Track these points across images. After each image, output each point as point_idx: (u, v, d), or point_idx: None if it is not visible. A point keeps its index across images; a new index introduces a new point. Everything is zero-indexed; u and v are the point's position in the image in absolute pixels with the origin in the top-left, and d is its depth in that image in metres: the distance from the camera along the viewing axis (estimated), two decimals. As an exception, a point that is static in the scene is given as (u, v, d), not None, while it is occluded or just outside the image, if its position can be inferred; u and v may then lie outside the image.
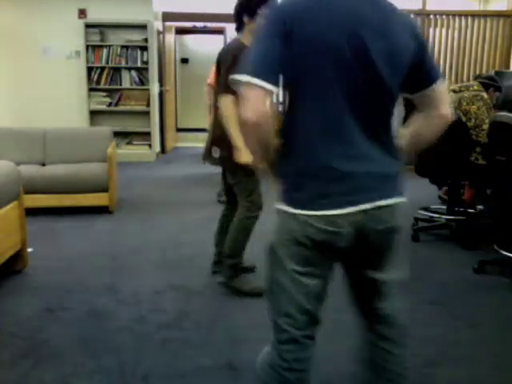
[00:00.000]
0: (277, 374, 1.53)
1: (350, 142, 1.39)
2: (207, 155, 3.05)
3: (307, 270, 1.44)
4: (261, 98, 1.31)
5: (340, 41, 1.33)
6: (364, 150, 1.40)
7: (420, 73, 1.47)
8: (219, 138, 2.89)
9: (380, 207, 1.41)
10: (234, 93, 2.55)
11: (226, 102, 2.72)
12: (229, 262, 3.08)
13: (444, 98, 1.54)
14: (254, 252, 3.10)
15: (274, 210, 1.45)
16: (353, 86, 1.36)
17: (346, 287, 1.61)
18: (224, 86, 2.71)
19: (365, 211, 1.39)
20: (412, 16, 6.73)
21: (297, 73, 1.37)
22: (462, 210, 4.25)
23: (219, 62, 2.94)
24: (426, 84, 1.49)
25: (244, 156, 2.67)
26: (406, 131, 1.64)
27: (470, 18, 7.08)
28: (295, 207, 1.40)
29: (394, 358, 1.58)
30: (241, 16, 2.92)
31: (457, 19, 7.11)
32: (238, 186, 3.01)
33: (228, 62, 2.79)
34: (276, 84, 1.34)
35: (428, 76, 1.49)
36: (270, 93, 1.33)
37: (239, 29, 2.98)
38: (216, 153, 2.97)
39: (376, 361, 1.60)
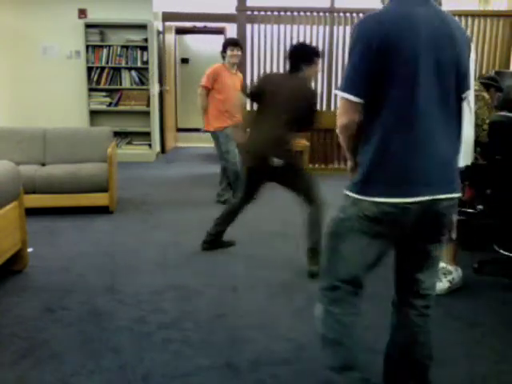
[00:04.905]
0: (333, 320, 1.75)
1: None
2: None
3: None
4: None
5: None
6: None
7: None
8: None
9: None
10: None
11: None
12: None
13: None
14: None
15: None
16: None
17: (396, 261, 1.82)
18: None
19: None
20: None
21: None
22: (461, 209, 4.25)
23: None
24: None
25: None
26: None
27: (469, 18, 7.07)
28: None
29: (423, 328, 1.80)
30: None
31: (456, 19, 7.08)
32: None
33: None
34: None
35: None
36: None
37: None
38: None
39: (407, 332, 1.82)
